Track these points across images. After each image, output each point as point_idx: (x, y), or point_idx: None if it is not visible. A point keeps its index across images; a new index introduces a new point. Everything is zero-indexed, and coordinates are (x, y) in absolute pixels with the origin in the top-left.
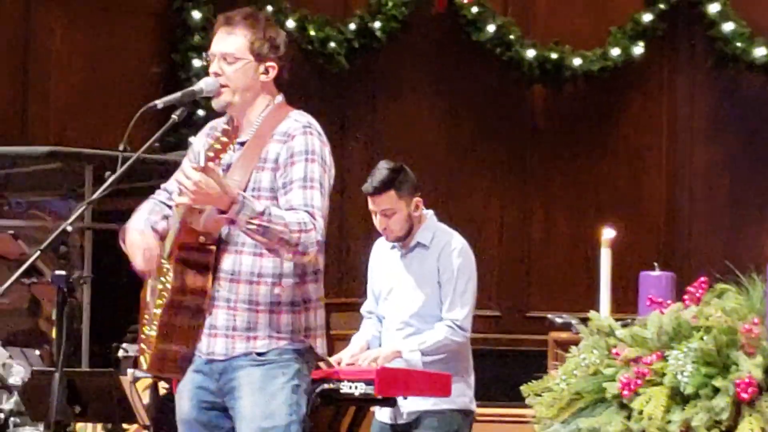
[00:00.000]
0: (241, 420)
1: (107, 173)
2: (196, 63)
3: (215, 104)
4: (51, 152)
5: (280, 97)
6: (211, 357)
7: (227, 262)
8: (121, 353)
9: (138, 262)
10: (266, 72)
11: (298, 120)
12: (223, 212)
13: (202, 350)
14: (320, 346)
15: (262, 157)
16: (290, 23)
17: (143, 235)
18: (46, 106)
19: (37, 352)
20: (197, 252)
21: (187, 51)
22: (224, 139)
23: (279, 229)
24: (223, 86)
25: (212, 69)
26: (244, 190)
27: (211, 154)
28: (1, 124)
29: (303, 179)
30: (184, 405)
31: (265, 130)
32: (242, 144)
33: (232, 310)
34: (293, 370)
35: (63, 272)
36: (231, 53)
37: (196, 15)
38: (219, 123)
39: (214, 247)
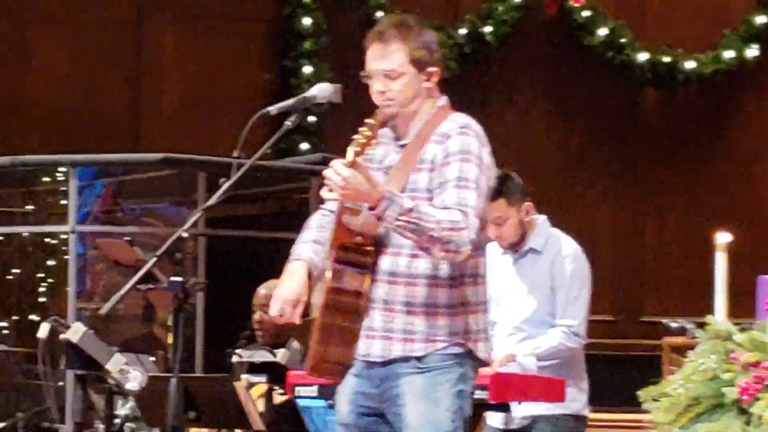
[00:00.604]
0: (405, 428)
1: (221, 180)
2: (307, 69)
3: (380, 115)
4: (164, 159)
5: (442, 100)
6: (368, 359)
7: (385, 264)
8: (234, 359)
9: (273, 309)
10: (428, 78)
11: (456, 121)
12: (372, 209)
13: (360, 352)
14: (482, 349)
15: (420, 158)
16: None
17: (292, 279)
18: (159, 113)
19: (152, 358)
20: (355, 253)
21: (298, 57)
22: (367, 133)
23: (429, 227)
24: (389, 100)
25: (376, 88)
26: (402, 192)
27: (357, 149)
28: (114, 132)
29: (458, 179)
30: (343, 409)
31: (425, 132)
32: (403, 146)
33: (389, 312)
34: (456, 375)
35: (179, 278)
36: (393, 69)
37: (307, 21)
38: (386, 131)
39: (372, 248)
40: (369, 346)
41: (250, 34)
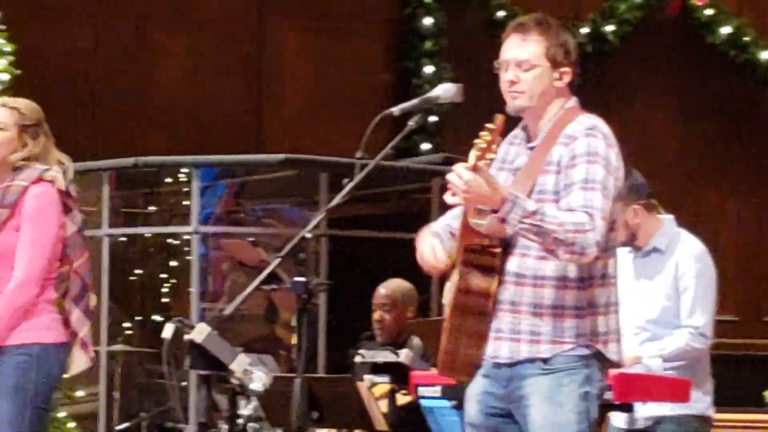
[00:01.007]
0: (531, 430)
1: (345, 180)
2: (428, 69)
3: (509, 109)
4: (286, 160)
5: (572, 102)
6: (497, 360)
7: (512, 265)
8: (357, 359)
9: (425, 255)
10: (560, 78)
11: (583, 123)
12: (495, 212)
13: (488, 353)
14: (614, 351)
15: (548, 160)
16: None
17: (433, 235)
18: (280, 114)
19: (274, 359)
20: (482, 254)
21: (419, 57)
22: (488, 137)
23: (553, 229)
24: (518, 92)
25: (507, 77)
26: (529, 194)
27: (479, 153)
28: (236, 133)
29: (584, 180)
30: (471, 409)
31: (553, 133)
32: (532, 148)
33: (516, 314)
34: (582, 377)
35: (302, 279)
36: (527, 60)
37: (428, 21)
38: (518, 132)
39: (499, 250)
40: (497, 348)
41: (371, 34)
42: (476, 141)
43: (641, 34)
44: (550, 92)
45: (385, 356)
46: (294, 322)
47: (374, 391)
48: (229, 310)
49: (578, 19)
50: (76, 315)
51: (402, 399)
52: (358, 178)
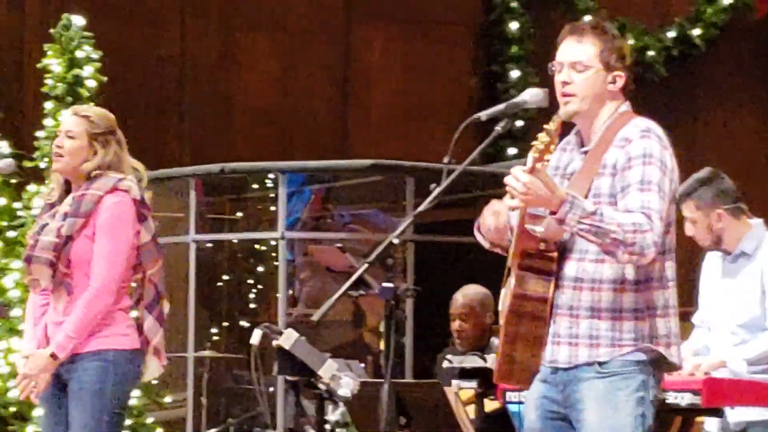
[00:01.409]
0: None
1: (432, 185)
2: (513, 74)
3: (562, 114)
4: (373, 165)
5: (625, 106)
6: (555, 365)
7: (570, 269)
8: (445, 364)
9: (487, 222)
10: (614, 81)
11: (638, 125)
12: (553, 213)
13: (546, 358)
14: (674, 354)
15: (602, 164)
16: None
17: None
18: (366, 119)
19: (361, 364)
20: (538, 259)
21: (505, 62)
22: (545, 138)
23: (611, 229)
24: (569, 95)
25: (560, 78)
26: (585, 197)
27: (536, 155)
28: (323, 138)
29: (640, 182)
30: (530, 414)
31: (607, 137)
32: (586, 152)
33: (574, 318)
34: (638, 381)
35: (390, 285)
36: (580, 61)
37: (514, 26)
38: (570, 138)
39: (555, 254)
40: (555, 352)
41: (457, 38)
42: (534, 143)
43: (728, 37)
44: (603, 95)
45: (473, 361)
46: (381, 328)
47: (461, 395)
48: (317, 315)
49: (665, 23)
50: (149, 322)
51: (490, 404)
52: (445, 183)
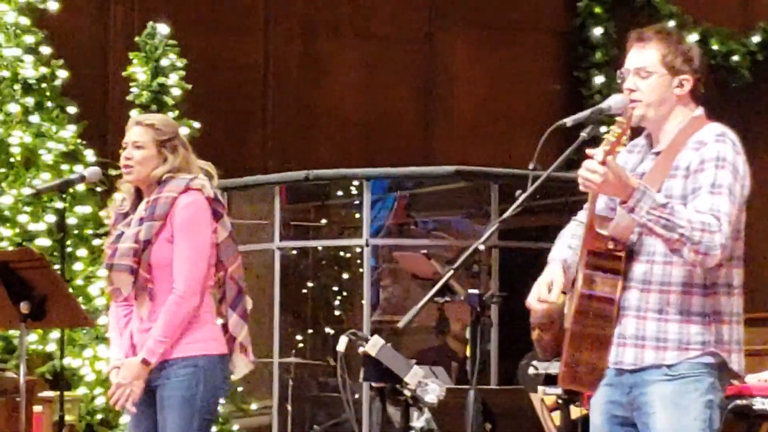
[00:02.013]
0: None
1: (518, 192)
2: (598, 80)
3: (627, 111)
4: (457, 172)
5: (699, 111)
6: (620, 367)
7: (638, 271)
8: (530, 370)
9: (530, 299)
10: (680, 85)
11: (713, 129)
12: (624, 203)
13: (611, 360)
14: (736, 361)
15: (674, 165)
16: (693, 37)
17: (551, 273)
18: (450, 125)
19: (445, 370)
20: (606, 259)
21: (589, 68)
22: (617, 131)
23: (680, 224)
24: (635, 101)
25: (626, 85)
26: None
27: (607, 148)
28: (406, 144)
29: (711, 185)
30: (596, 419)
31: (680, 139)
32: (657, 154)
33: (641, 320)
34: (706, 385)
35: (476, 291)
36: (644, 67)
37: (598, 31)
38: (639, 140)
39: (623, 254)
40: (620, 354)
41: (540, 44)
42: (605, 136)
43: None
44: (670, 100)
45: (558, 367)
46: (465, 334)
47: (546, 401)
48: (403, 322)
49: (750, 28)
50: (233, 320)
51: (576, 411)
52: (531, 189)
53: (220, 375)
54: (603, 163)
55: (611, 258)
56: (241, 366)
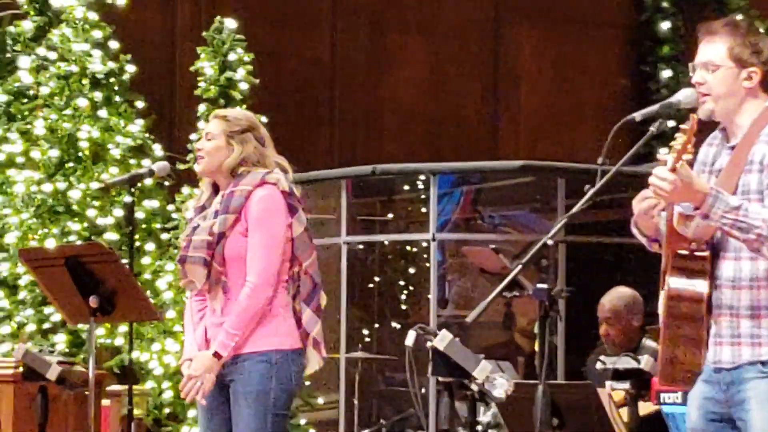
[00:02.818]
0: None
1: (586, 187)
2: (665, 74)
3: (700, 113)
4: (523, 166)
5: None
6: (719, 366)
7: (727, 269)
8: (598, 365)
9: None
10: (749, 78)
11: None
12: (697, 209)
13: (710, 359)
14: None
15: (749, 159)
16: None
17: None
18: (516, 120)
19: (511, 365)
20: (690, 260)
21: (656, 62)
22: (683, 138)
23: (755, 224)
24: (705, 95)
25: (695, 79)
26: (733, 194)
27: (675, 155)
28: (472, 139)
29: None
30: (693, 414)
31: (752, 133)
32: (732, 148)
33: (734, 318)
34: None
35: (544, 286)
36: (711, 61)
37: (665, 25)
38: (716, 133)
39: (707, 254)
40: (718, 353)
41: (607, 39)
42: (672, 143)
43: None
44: (739, 92)
45: (626, 363)
46: (532, 329)
47: (614, 397)
48: (471, 317)
49: None
50: (307, 315)
51: (644, 406)
52: (599, 184)
53: (293, 370)
54: (673, 170)
55: (696, 258)
56: (314, 361)
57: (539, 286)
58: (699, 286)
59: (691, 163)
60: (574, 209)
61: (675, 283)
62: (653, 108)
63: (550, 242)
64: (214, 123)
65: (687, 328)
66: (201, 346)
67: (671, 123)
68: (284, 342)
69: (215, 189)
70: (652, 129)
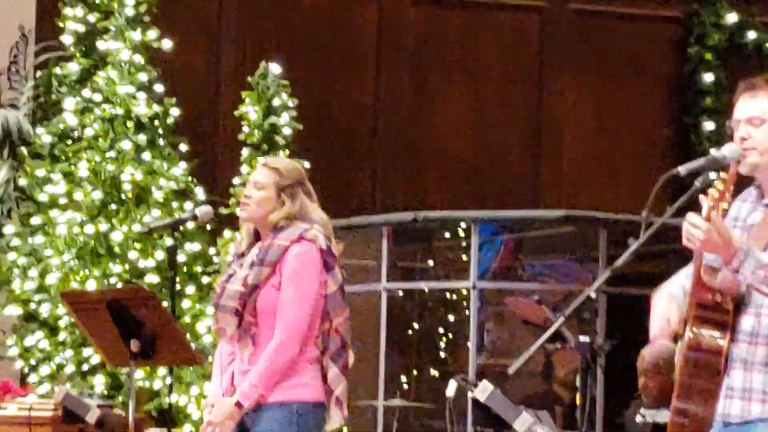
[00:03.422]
0: None
1: (630, 239)
2: (708, 126)
3: (743, 168)
4: (566, 216)
5: None
6: (727, 420)
7: (746, 323)
8: (638, 418)
9: (652, 328)
10: None
11: None
12: (727, 263)
13: (718, 412)
14: None
15: None
16: None
17: (669, 301)
18: (558, 169)
19: (549, 415)
20: (713, 311)
21: (699, 113)
22: (720, 187)
23: None
24: (750, 149)
25: (738, 134)
26: (765, 249)
27: (711, 203)
28: (514, 186)
29: None
30: None
31: None
32: (767, 205)
33: (748, 372)
34: None
35: (587, 339)
36: (757, 116)
37: (708, 78)
38: (751, 189)
39: (731, 307)
40: (727, 406)
41: (650, 89)
42: (709, 190)
43: None
44: None
45: (665, 416)
46: (572, 379)
47: None
48: (513, 368)
49: None
50: (333, 372)
51: None
52: (643, 238)
53: (313, 422)
54: (708, 218)
55: (719, 310)
56: (335, 419)
57: (581, 338)
58: (719, 338)
59: (725, 215)
60: (618, 262)
61: (696, 333)
62: (698, 162)
63: (593, 294)
64: (264, 172)
65: (702, 380)
66: (226, 391)
67: (713, 174)
68: (307, 394)
69: (256, 236)
70: (697, 184)
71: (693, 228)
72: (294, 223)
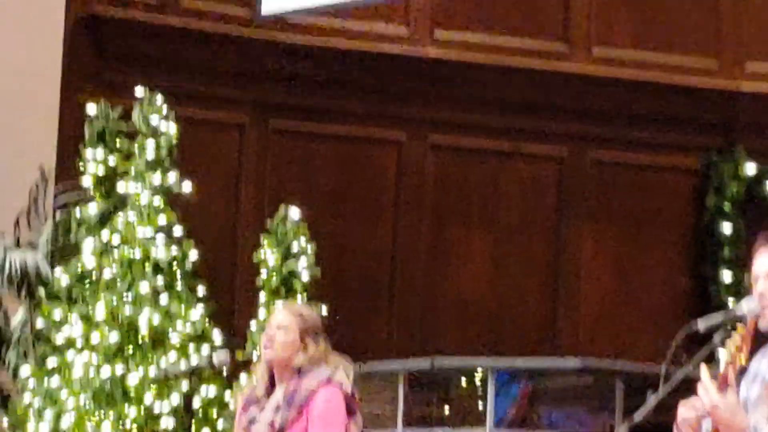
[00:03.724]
0: None
1: (649, 391)
2: (726, 278)
3: (761, 325)
4: (583, 366)
5: None
6: None
7: None
8: None
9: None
10: None
11: None
12: None
13: None
14: None
15: None
16: None
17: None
18: (576, 318)
19: None
20: None
21: (717, 264)
22: (738, 342)
23: None
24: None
25: (758, 289)
26: None
27: (729, 360)
28: (532, 334)
29: None
30: None
31: None
32: None
33: None
34: None
35: None
36: None
37: (727, 228)
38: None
39: None
40: None
41: (667, 239)
42: (727, 342)
43: None
44: None
45: None
46: None
47: None
48: None
49: None
50: None
51: None
52: (663, 392)
53: None
54: (723, 382)
55: None
56: None
57: None
58: None
59: (743, 371)
60: (636, 416)
61: None
62: (717, 318)
63: None
64: (288, 317)
65: None
66: None
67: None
68: None
69: (270, 380)
70: (716, 341)
71: (704, 392)
72: (318, 366)
